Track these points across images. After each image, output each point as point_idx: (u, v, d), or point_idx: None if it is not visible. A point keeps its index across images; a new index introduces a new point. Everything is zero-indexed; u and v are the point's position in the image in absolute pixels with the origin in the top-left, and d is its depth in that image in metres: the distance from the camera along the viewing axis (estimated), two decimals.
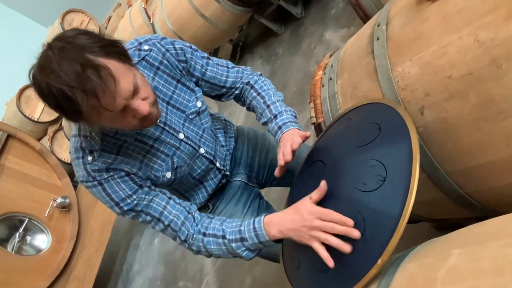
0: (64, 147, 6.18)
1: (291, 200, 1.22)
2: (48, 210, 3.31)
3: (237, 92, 1.39)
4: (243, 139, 1.55)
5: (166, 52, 1.24)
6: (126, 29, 4.89)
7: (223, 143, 1.47)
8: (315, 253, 0.95)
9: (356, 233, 0.88)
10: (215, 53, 4.78)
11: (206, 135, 1.35)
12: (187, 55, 1.28)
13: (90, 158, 1.13)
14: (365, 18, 2.04)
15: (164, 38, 1.27)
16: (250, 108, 1.42)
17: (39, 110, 6.56)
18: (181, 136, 1.27)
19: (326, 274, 0.93)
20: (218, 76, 1.34)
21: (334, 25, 3.23)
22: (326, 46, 3.21)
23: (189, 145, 1.29)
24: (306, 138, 1.19)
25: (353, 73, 1.20)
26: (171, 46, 1.25)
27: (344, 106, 1.23)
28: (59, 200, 3.37)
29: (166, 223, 1.19)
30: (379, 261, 0.82)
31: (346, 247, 0.88)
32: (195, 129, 1.32)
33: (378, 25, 1.12)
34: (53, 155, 3.61)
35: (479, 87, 0.88)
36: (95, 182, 1.14)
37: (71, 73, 0.89)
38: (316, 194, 1.00)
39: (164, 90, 1.25)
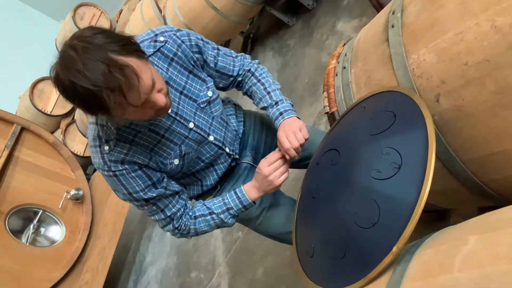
0: (77, 140, 6.22)
1: (305, 187, 1.23)
2: (61, 202, 3.35)
3: (239, 79, 1.45)
4: (250, 122, 1.60)
5: (181, 44, 1.28)
6: (137, 22, 4.89)
7: (235, 128, 1.53)
8: (330, 239, 0.96)
9: (291, 153, 1.25)
10: (226, 45, 4.77)
11: (215, 123, 1.40)
12: (200, 47, 1.33)
13: (106, 147, 1.20)
14: (378, 6, 2.02)
15: (179, 30, 1.31)
16: (247, 93, 1.48)
17: (52, 103, 6.60)
18: (191, 125, 1.33)
19: (341, 261, 0.93)
20: (228, 66, 1.40)
21: (346, 15, 3.20)
22: (338, 37, 3.19)
23: (198, 133, 1.35)
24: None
25: (367, 62, 1.19)
26: (187, 38, 1.30)
27: (358, 95, 1.23)
28: (72, 192, 3.40)
29: (168, 214, 1.32)
30: (394, 249, 0.82)
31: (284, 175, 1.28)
32: (205, 117, 1.37)
33: (393, 13, 1.11)
34: (66, 147, 3.64)
35: (496, 73, 0.87)
36: (111, 173, 1.22)
37: (97, 73, 0.94)
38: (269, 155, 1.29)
39: (177, 80, 1.30)
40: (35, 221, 3.26)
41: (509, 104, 0.87)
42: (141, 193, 1.26)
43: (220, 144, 1.43)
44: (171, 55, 1.27)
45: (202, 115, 1.36)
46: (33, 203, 3.29)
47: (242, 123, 1.58)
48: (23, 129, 3.33)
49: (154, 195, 1.27)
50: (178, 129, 1.31)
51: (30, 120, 3.56)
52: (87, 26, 1.07)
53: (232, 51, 1.45)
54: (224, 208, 1.33)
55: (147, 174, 1.26)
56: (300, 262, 1.12)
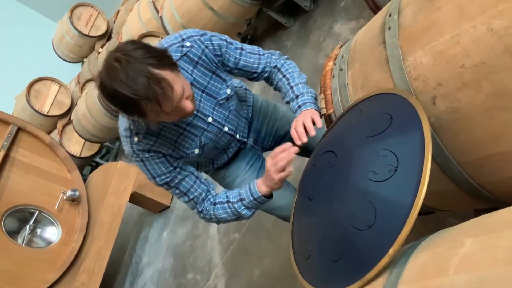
0: (73, 140, 6.21)
1: (302, 189, 1.23)
2: (58, 202, 3.33)
3: (266, 75, 1.55)
4: (256, 108, 1.74)
5: (205, 49, 1.41)
6: (134, 23, 4.89)
7: (246, 115, 1.68)
8: (326, 241, 0.96)
9: (296, 145, 1.28)
10: None
11: (231, 115, 1.56)
12: (222, 49, 1.45)
13: (136, 139, 1.37)
14: (375, 8, 2.02)
15: (204, 34, 1.43)
16: (276, 88, 1.58)
17: (48, 104, 6.59)
18: (210, 119, 1.48)
19: (337, 262, 0.93)
20: (250, 64, 1.52)
21: (344, 17, 3.21)
22: (335, 39, 3.19)
23: (215, 126, 1.51)
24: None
25: (364, 64, 1.19)
26: (210, 43, 1.42)
27: (355, 97, 1.23)
28: (68, 192, 3.38)
29: (191, 197, 1.47)
30: (390, 251, 0.82)
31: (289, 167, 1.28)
32: (223, 111, 1.52)
33: (390, 15, 1.11)
34: (63, 148, 3.62)
35: (492, 76, 0.87)
36: (138, 159, 1.41)
37: (138, 84, 1.11)
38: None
39: (201, 81, 1.44)
40: (31, 222, 3.23)
41: (505, 106, 0.87)
42: (163, 177, 1.43)
43: (233, 133, 1.58)
44: (196, 59, 1.41)
45: (221, 110, 1.51)
46: (29, 203, 3.27)
47: (251, 107, 1.72)
48: (19, 129, 3.31)
49: (173, 175, 1.44)
50: (199, 123, 1.46)
51: (26, 121, 3.55)
52: (129, 40, 1.25)
53: (260, 49, 1.55)
54: (238, 197, 1.42)
55: (169, 161, 1.43)
56: (297, 263, 1.12)
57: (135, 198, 4.15)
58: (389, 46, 1.08)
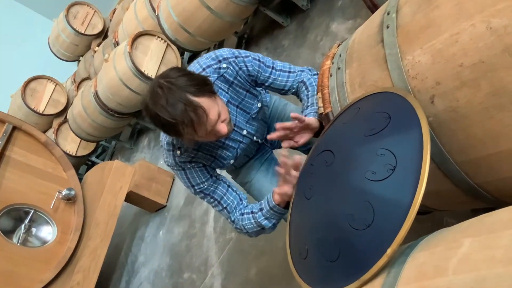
0: (69, 139, 6.19)
1: (299, 188, 1.22)
2: (53, 201, 3.31)
3: (293, 90, 1.64)
4: (269, 107, 1.85)
5: (239, 70, 1.53)
6: (131, 21, 4.88)
7: (266, 120, 1.79)
8: (324, 240, 0.95)
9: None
10: (220, 45, 4.76)
11: (260, 125, 1.69)
12: (255, 69, 1.55)
13: (178, 152, 1.52)
14: (373, 7, 2.02)
15: (238, 56, 1.53)
16: (301, 100, 1.64)
17: (44, 102, 6.58)
18: (245, 132, 1.63)
19: (335, 262, 0.92)
20: (278, 82, 1.61)
21: (341, 16, 3.21)
22: (332, 38, 3.19)
23: (248, 137, 1.65)
24: (297, 119, 1.38)
25: (362, 62, 1.18)
26: (243, 64, 1.53)
27: (353, 96, 1.22)
28: (64, 192, 3.36)
29: (224, 205, 1.58)
30: (389, 251, 0.81)
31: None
32: (255, 123, 1.66)
33: (388, 13, 1.10)
34: (58, 147, 3.61)
35: (491, 75, 0.87)
36: (180, 169, 1.55)
37: (176, 110, 1.24)
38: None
39: (235, 97, 1.57)
40: (26, 221, 3.21)
41: (504, 106, 0.87)
42: (201, 185, 1.56)
43: (259, 140, 1.73)
44: (231, 79, 1.52)
45: (253, 123, 1.65)
46: (25, 203, 3.25)
47: (267, 108, 1.81)
48: (14, 128, 3.29)
49: (209, 183, 1.56)
50: (236, 137, 1.61)
51: (22, 119, 3.53)
52: (174, 67, 1.38)
53: (292, 66, 1.64)
54: (259, 207, 1.49)
55: (207, 170, 1.57)
56: (294, 263, 1.12)
57: (131, 197, 4.14)
58: (387, 45, 1.07)
